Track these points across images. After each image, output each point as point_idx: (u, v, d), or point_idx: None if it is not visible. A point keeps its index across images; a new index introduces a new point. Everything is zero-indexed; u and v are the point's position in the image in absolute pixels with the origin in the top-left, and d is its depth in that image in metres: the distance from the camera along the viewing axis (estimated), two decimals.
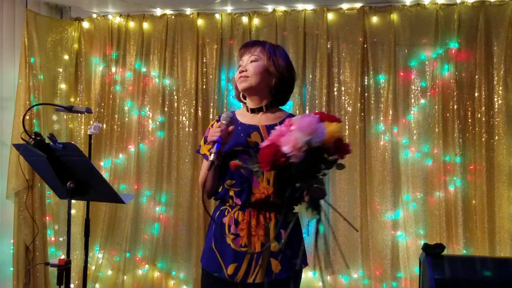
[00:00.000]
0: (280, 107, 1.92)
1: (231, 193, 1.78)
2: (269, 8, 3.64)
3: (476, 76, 3.31)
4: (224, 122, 1.69)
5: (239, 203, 1.77)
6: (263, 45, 1.86)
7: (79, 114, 3.85)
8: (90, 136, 3.24)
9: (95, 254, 3.80)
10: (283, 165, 1.45)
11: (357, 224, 3.41)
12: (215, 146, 1.65)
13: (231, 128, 1.70)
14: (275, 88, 1.84)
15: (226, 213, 1.79)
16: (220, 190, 1.83)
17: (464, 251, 3.23)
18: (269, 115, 1.85)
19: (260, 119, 1.84)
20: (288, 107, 3.56)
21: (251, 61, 1.82)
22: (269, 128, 1.75)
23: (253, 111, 1.86)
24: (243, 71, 1.82)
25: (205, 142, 1.85)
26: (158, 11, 3.81)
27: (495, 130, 3.26)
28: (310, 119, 1.45)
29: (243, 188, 1.76)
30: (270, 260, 1.73)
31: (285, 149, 1.42)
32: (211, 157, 1.65)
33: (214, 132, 1.68)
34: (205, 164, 1.83)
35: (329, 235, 1.65)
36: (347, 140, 3.44)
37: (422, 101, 3.41)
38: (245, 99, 1.90)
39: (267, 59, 1.82)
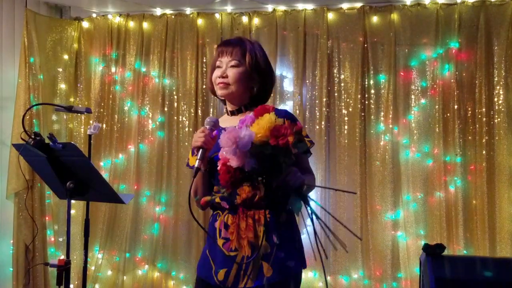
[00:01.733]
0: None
1: (217, 199, 1.74)
2: (269, 7, 3.63)
3: (477, 76, 3.31)
4: (207, 127, 1.66)
5: (227, 206, 1.73)
6: (243, 46, 1.80)
7: (79, 114, 3.84)
8: (89, 136, 3.23)
9: (95, 254, 3.79)
10: (243, 177, 1.45)
11: (357, 224, 3.41)
12: (199, 152, 1.62)
13: (214, 133, 1.67)
14: (256, 92, 1.82)
15: (217, 218, 1.76)
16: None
17: (465, 251, 3.23)
18: (247, 115, 1.83)
19: (239, 120, 1.82)
20: (288, 107, 3.57)
21: (232, 66, 1.77)
22: None
23: (232, 113, 1.84)
24: (223, 76, 1.77)
25: (193, 153, 1.80)
26: (158, 11, 3.81)
27: (495, 130, 3.26)
28: (230, 130, 1.43)
29: (226, 193, 1.71)
30: (261, 263, 1.67)
31: (233, 164, 1.42)
32: (196, 164, 1.61)
33: (197, 138, 1.64)
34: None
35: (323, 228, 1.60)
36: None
37: (423, 101, 3.41)
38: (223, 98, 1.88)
39: (249, 65, 1.78)
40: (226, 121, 1.82)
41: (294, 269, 1.73)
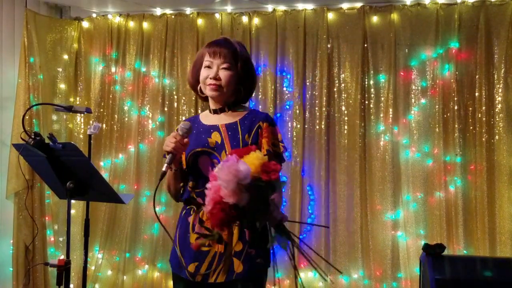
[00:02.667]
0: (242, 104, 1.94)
1: (193, 194, 1.79)
2: (269, 7, 3.63)
3: (477, 76, 3.31)
4: (180, 133, 1.70)
5: (202, 202, 1.73)
6: (233, 48, 1.83)
7: (79, 114, 3.84)
8: (89, 136, 3.23)
9: (95, 254, 3.79)
10: (236, 215, 1.48)
11: (357, 224, 3.41)
12: (168, 157, 1.67)
13: (186, 140, 1.70)
14: (243, 93, 1.86)
15: (191, 212, 1.79)
16: (183, 192, 1.85)
17: (465, 251, 3.22)
18: (229, 114, 1.86)
19: (220, 119, 1.84)
20: (288, 107, 3.57)
21: (224, 68, 1.80)
22: (229, 126, 1.79)
23: (215, 111, 1.87)
24: (216, 78, 1.79)
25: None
26: (158, 11, 3.81)
27: (495, 130, 3.26)
28: (228, 165, 1.46)
29: (203, 189, 1.74)
30: (232, 259, 1.72)
31: (230, 200, 1.44)
32: (164, 168, 1.67)
33: (168, 143, 1.68)
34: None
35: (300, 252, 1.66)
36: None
37: (423, 101, 3.41)
38: (206, 97, 1.90)
39: (240, 68, 1.82)
40: (208, 118, 1.87)
41: (263, 266, 1.78)
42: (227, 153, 1.71)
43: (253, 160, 1.49)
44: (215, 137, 1.78)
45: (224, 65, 1.80)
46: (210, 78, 1.79)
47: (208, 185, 1.51)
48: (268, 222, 1.56)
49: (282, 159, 1.82)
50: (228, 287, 1.73)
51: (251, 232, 1.68)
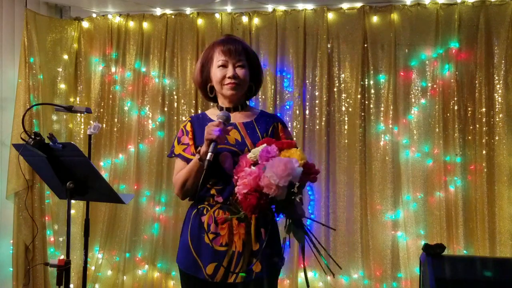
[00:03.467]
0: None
1: (213, 191, 1.77)
2: (269, 7, 3.63)
3: (477, 76, 3.31)
4: (221, 121, 1.69)
5: (221, 201, 1.76)
6: (244, 45, 1.86)
7: (79, 114, 3.84)
8: (89, 136, 3.23)
9: (95, 254, 3.79)
10: (267, 206, 1.53)
11: (357, 224, 3.41)
12: (212, 145, 1.64)
13: (230, 127, 1.72)
14: (254, 90, 1.90)
15: (205, 212, 1.77)
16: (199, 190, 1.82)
17: (465, 251, 3.22)
18: (243, 113, 1.89)
19: (236, 117, 1.86)
20: (288, 107, 3.57)
21: (239, 66, 1.82)
22: (246, 125, 1.82)
23: (228, 110, 1.87)
24: (234, 77, 1.80)
25: (178, 142, 1.86)
26: (158, 11, 3.81)
27: (495, 130, 3.26)
28: (285, 161, 1.49)
29: (226, 186, 1.75)
30: (251, 259, 1.73)
31: (272, 192, 1.48)
32: (208, 156, 1.62)
33: (211, 131, 1.65)
34: (180, 164, 1.83)
35: (320, 244, 1.70)
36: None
37: (423, 101, 3.41)
38: (214, 97, 1.91)
39: (253, 66, 1.86)
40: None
41: (279, 265, 1.81)
42: (250, 149, 1.71)
43: (297, 158, 1.52)
44: (234, 135, 1.79)
45: (240, 63, 1.82)
46: (229, 77, 1.80)
47: (247, 169, 1.53)
48: (290, 216, 1.59)
49: None
50: (243, 287, 1.73)
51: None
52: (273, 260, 1.74)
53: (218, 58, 1.83)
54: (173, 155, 1.87)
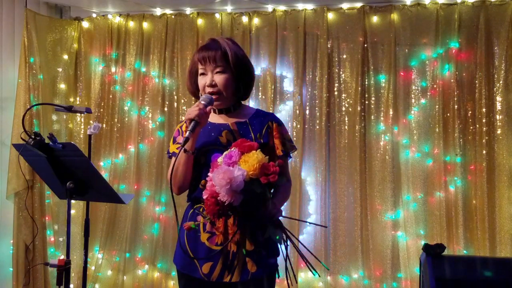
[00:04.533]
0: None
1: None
2: (269, 7, 3.63)
3: (477, 76, 3.31)
4: (203, 102, 1.70)
5: None
6: (223, 49, 1.79)
7: (79, 114, 3.84)
8: (89, 136, 3.23)
9: (95, 254, 3.79)
10: (228, 209, 1.56)
11: (357, 224, 3.41)
12: (191, 124, 1.66)
13: (208, 108, 1.71)
14: (243, 91, 1.86)
15: (201, 211, 1.78)
16: (191, 190, 1.83)
17: (465, 251, 3.22)
18: (236, 113, 1.87)
19: (229, 118, 1.85)
20: (288, 107, 3.57)
21: (217, 72, 1.78)
22: (240, 125, 1.80)
23: (220, 111, 1.86)
24: (212, 85, 1.78)
25: (174, 142, 1.86)
26: (158, 11, 3.81)
27: (495, 130, 3.26)
28: (224, 171, 1.52)
29: None
30: (245, 259, 1.73)
31: (224, 199, 1.52)
32: (187, 134, 1.64)
33: (191, 111, 1.68)
34: (173, 160, 1.82)
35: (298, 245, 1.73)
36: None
37: (423, 101, 3.41)
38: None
39: (234, 67, 1.79)
40: (215, 117, 1.87)
41: (275, 266, 1.81)
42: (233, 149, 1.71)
43: (253, 162, 1.54)
44: (226, 136, 1.79)
45: (217, 69, 1.78)
46: (207, 86, 1.78)
47: (209, 175, 1.55)
48: (262, 217, 1.63)
49: (289, 157, 1.89)
50: (239, 287, 1.74)
51: (249, 224, 1.71)
52: (269, 261, 1.74)
53: (199, 67, 1.82)
54: (169, 154, 1.87)
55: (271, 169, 1.55)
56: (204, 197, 1.57)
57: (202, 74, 1.81)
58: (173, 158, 1.81)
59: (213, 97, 1.78)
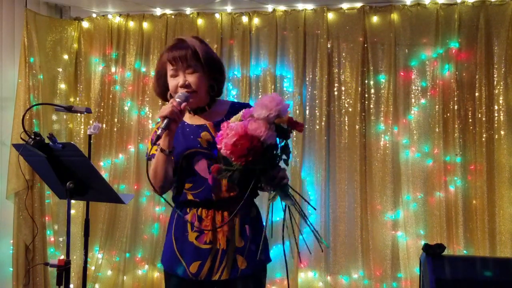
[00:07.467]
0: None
1: (190, 196, 1.76)
2: (269, 7, 3.63)
3: (477, 76, 3.31)
4: (177, 99, 1.67)
5: (198, 200, 1.75)
6: (191, 48, 1.75)
7: (79, 114, 3.84)
8: (89, 136, 3.23)
9: (95, 254, 3.79)
10: (260, 151, 1.46)
11: (357, 224, 3.41)
12: (164, 121, 1.62)
13: (183, 105, 1.66)
14: (217, 89, 1.83)
15: (188, 211, 1.78)
16: (175, 194, 1.83)
17: (465, 251, 3.22)
18: (212, 111, 1.83)
19: (205, 117, 1.82)
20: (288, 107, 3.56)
21: (189, 73, 1.74)
22: (217, 124, 1.75)
23: (195, 112, 1.83)
24: (185, 86, 1.73)
25: (152, 144, 1.74)
26: (158, 11, 3.81)
27: (495, 130, 3.26)
28: (272, 96, 1.49)
29: (201, 190, 1.75)
30: (235, 256, 1.73)
31: (260, 132, 1.46)
32: (159, 131, 1.61)
33: (164, 109, 1.64)
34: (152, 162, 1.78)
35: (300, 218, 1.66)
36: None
37: (423, 101, 3.41)
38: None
39: (205, 65, 1.76)
40: (192, 118, 1.84)
41: (265, 262, 1.81)
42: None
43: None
44: (205, 136, 1.77)
45: (189, 70, 1.74)
46: (180, 87, 1.73)
47: (231, 125, 1.49)
48: (272, 180, 1.55)
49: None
50: (229, 284, 1.74)
51: (251, 183, 1.59)
52: (258, 257, 1.71)
53: (169, 68, 1.77)
54: (149, 156, 1.81)
55: (297, 122, 1.60)
56: (232, 140, 1.46)
57: (173, 76, 1.76)
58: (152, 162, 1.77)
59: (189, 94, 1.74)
